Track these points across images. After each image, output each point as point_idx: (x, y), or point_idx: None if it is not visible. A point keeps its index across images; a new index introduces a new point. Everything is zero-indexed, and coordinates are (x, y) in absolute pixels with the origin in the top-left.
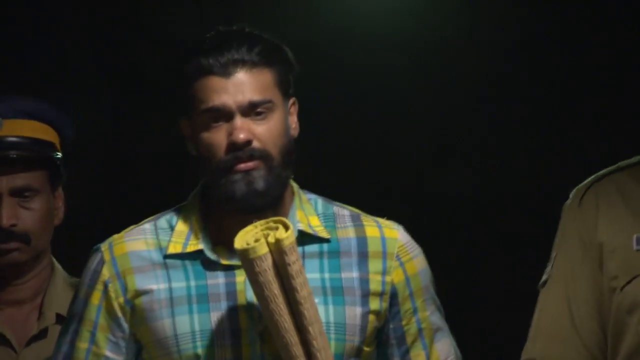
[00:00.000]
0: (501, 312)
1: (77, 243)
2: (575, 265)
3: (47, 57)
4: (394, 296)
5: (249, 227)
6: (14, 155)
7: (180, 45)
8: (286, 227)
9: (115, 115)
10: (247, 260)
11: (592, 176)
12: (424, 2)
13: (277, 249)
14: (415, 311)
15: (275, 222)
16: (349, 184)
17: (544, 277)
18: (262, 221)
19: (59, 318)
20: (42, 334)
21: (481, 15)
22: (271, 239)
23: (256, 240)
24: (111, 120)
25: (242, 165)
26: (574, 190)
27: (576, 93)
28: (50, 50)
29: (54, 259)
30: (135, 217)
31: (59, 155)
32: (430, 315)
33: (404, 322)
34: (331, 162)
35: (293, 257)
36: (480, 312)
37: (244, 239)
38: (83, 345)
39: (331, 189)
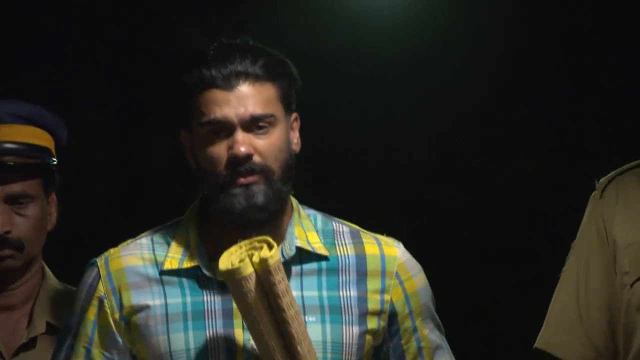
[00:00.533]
0: (502, 326)
1: (71, 250)
2: (590, 256)
3: (51, 70)
4: (393, 315)
5: (233, 248)
6: (11, 163)
7: (183, 58)
8: (270, 246)
9: (120, 128)
10: (233, 281)
11: (617, 169)
12: (425, 14)
13: (262, 269)
14: (414, 330)
15: (259, 241)
16: (349, 197)
17: (564, 267)
18: (247, 241)
19: (49, 327)
20: (31, 343)
21: (485, 27)
22: (256, 259)
23: (241, 261)
24: (115, 133)
25: (242, 180)
26: (599, 182)
27: (582, 104)
28: (54, 63)
29: (45, 264)
30: (136, 226)
31: (55, 161)
32: (430, 333)
33: (403, 341)
34: (331, 176)
35: (278, 277)
36: (481, 325)
37: (228, 259)
38: None
39: (331, 204)
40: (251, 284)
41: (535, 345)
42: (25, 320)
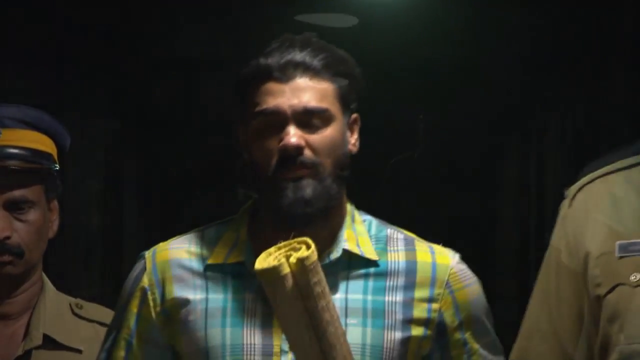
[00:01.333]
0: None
1: (71, 259)
2: (559, 266)
3: (54, 76)
4: (441, 325)
5: (272, 249)
6: (13, 167)
7: (186, 68)
8: (309, 247)
9: (123, 135)
10: (268, 281)
11: (586, 176)
12: (438, 28)
13: (298, 269)
14: (464, 343)
15: (299, 242)
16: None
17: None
18: (286, 242)
19: (46, 339)
20: (26, 356)
21: (493, 36)
22: (292, 259)
23: (277, 261)
24: (118, 139)
25: (291, 174)
26: (568, 190)
27: (591, 109)
28: (57, 69)
29: (44, 274)
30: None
31: (57, 167)
32: (482, 348)
33: (453, 353)
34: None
35: (315, 278)
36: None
37: (266, 260)
38: (120, 353)
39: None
40: (287, 285)
41: (510, 357)
42: (21, 332)
